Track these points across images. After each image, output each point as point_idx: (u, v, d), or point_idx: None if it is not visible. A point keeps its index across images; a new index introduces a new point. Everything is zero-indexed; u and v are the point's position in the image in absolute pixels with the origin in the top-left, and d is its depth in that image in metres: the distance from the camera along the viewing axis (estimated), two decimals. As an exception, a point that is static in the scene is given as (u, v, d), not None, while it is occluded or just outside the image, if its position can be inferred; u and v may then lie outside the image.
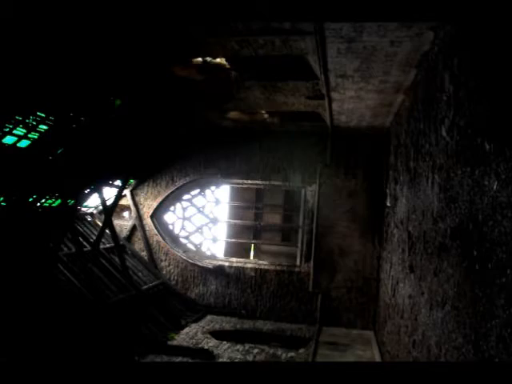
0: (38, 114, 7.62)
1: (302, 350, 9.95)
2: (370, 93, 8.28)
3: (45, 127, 7.98)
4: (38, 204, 9.70)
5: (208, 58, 8.07)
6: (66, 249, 10.58)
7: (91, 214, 13.44)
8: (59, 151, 8.71)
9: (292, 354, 9.78)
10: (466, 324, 3.69)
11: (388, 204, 9.97)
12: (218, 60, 8.23)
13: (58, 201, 10.38)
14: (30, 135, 7.87)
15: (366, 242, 11.42)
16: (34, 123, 7.72)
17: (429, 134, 5.81)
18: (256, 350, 9.85)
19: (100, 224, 12.62)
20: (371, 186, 11.41)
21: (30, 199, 9.30)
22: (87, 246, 11.21)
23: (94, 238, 11.66)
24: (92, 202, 13.23)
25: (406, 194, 7.51)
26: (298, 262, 12.55)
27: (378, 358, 9.15)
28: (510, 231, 2.95)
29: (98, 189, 11.37)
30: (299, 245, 12.77)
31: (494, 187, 3.25)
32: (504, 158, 3.11)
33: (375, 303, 10.92)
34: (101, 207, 12.53)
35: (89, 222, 13.06)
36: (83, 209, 13.07)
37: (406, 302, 6.83)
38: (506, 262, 2.98)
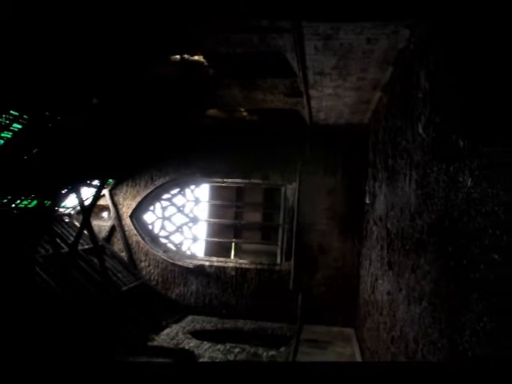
0: (11, 112, 7.45)
1: (283, 349, 9.96)
2: (347, 90, 8.30)
3: (19, 126, 7.81)
4: (13, 205, 9.49)
5: (186, 56, 8.00)
6: (42, 250, 10.38)
7: (69, 215, 13.22)
8: (35, 151, 8.53)
9: (273, 352, 9.78)
10: (442, 319, 3.72)
11: (367, 201, 10.04)
12: (196, 57, 8.16)
13: (34, 202, 10.18)
14: (2, 134, 7.70)
15: (345, 239, 11.48)
16: (7, 122, 7.55)
17: (406, 131, 5.84)
18: (237, 350, 9.83)
19: (78, 225, 12.41)
20: (350, 184, 11.46)
21: (5, 200, 9.09)
22: (65, 247, 11.01)
23: (72, 239, 11.46)
24: (70, 203, 12.99)
25: (385, 191, 7.56)
26: (278, 261, 12.55)
27: (358, 355, 9.21)
28: (483, 227, 2.98)
29: (75, 189, 11.18)
30: (279, 243, 12.78)
31: (468, 183, 3.27)
32: (477, 155, 3.14)
33: (355, 300, 10.98)
34: (79, 208, 12.32)
35: (66, 223, 12.85)
36: (60, 209, 12.85)
37: (384, 298, 6.87)
38: (480, 258, 3.00)
